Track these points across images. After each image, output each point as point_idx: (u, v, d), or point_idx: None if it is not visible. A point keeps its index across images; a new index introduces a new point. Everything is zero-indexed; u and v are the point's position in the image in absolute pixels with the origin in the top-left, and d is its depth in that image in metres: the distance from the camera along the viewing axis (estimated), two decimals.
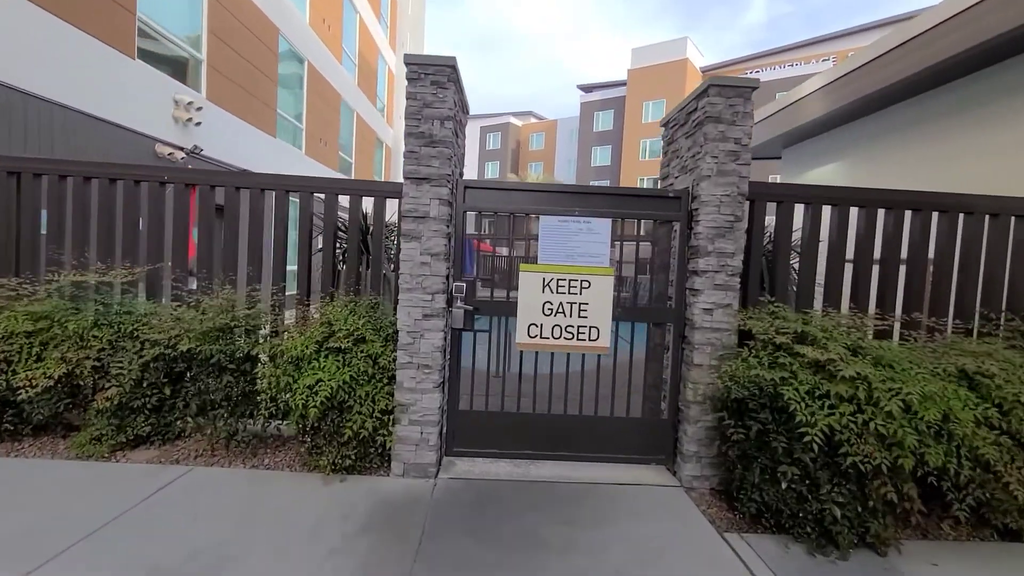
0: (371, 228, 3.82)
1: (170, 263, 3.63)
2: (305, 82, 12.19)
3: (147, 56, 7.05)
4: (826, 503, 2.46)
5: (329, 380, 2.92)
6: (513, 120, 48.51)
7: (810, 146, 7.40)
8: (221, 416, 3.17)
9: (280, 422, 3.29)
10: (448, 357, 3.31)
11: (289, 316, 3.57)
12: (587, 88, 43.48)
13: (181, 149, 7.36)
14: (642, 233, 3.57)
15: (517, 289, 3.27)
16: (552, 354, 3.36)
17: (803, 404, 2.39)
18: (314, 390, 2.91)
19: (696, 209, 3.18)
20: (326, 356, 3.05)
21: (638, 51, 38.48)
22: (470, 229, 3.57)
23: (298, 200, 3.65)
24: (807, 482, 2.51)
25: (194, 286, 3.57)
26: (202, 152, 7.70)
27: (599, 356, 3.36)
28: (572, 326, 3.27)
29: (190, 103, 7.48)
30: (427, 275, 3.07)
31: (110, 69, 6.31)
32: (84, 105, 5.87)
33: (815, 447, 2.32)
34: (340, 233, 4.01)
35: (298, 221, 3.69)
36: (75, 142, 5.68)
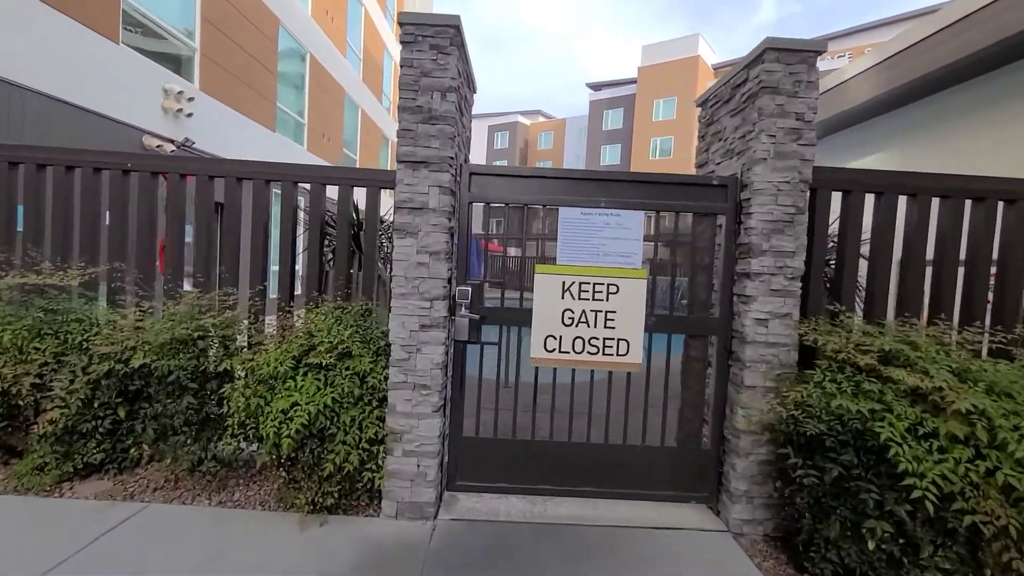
0: (364, 223, 3.33)
1: (134, 262, 3.17)
2: (307, 75, 11.76)
3: (134, 42, 6.62)
4: (928, 569, 1.93)
5: (307, 404, 2.44)
6: (521, 119, 47.96)
7: (842, 138, 6.80)
8: (182, 443, 2.69)
9: (254, 447, 2.81)
10: (450, 375, 2.80)
11: (271, 323, 3.09)
12: (596, 86, 42.82)
13: (171, 141, 6.93)
14: (676, 228, 3.04)
15: (532, 294, 2.76)
16: (573, 371, 2.84)
17: (905, 446, 1.86)
18: (289, 416, 2.42)
19: (747, 199, 2.65)
20: (304, 374, 2.56)
21: (648, 48, 37.77)
22: (476, 227, 3.08)
23: (284, 192, 3.18)
24: (902, 542, 1.98)
25: (173, 287, 3.10)
26: (194, 145, 7.27)
27: (628, 374, 2.84)
28: (597, 338, 2.76)
29: (180, 92, 7.05)
30: (425, 278, 2.57)
31: (91, 54, 5.88)
32: (60, 91, 5.44)
33: (927, 504, 1.78)
34: (328, 229, 3.53)
35: (280, 215, 3.21)
36: (51, 131, 5.25)
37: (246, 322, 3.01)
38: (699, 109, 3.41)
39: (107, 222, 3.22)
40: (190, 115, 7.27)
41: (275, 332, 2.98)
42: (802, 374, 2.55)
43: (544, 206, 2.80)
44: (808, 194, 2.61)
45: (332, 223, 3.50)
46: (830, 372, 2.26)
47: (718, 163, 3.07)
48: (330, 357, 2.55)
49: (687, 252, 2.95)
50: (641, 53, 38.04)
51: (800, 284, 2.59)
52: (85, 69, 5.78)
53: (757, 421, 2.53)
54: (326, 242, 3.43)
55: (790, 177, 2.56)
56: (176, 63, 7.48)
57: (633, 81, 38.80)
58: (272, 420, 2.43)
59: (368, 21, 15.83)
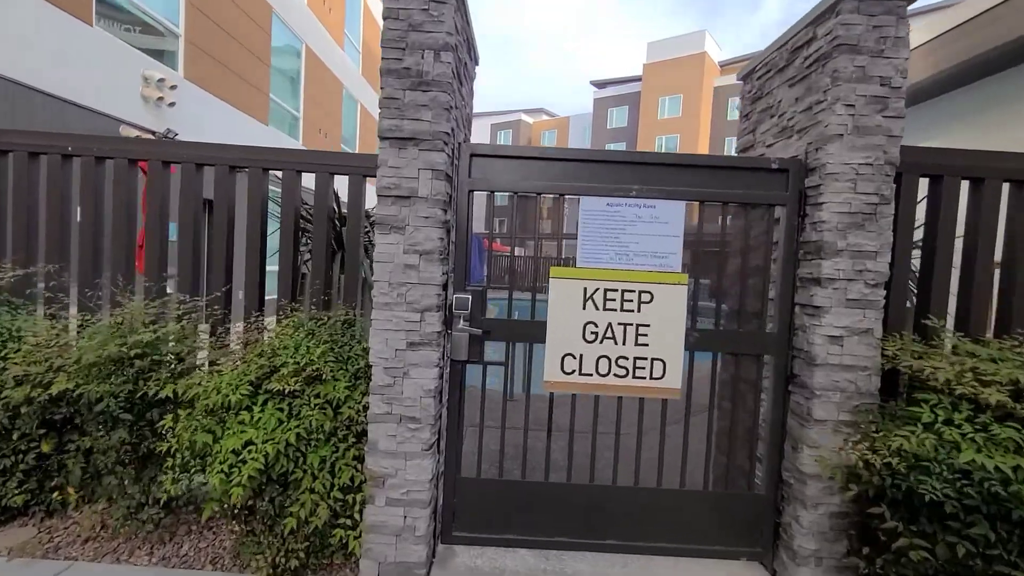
0: (346, 217, 2.82)
1: (77, 262, 2.69)
2: (303, 67, 11.27)
3: (109, 23, 6.14)
4: None
5: (265, 442, 1.93)
6: (524, 117, 47.39)
7: None
8: (116, 486, 2.19)
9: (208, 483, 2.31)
10: (445, 402, 2.29)
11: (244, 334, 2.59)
12: (600, 84, 42.22)
13: (152, 133, 6.44)
14: (724, 223, 2.51)
15: (547, 304, 2.25)
16: (596, 398, 2.32)
17: None
18: (241, 458, 1.92)
19: (815, 187, 2.13)
20: (264, 404, 2.06)
21: (654, 45, 37.20)
22: (479, 223, 2.57)
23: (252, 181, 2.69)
24: None
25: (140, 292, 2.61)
26: (177, 136, 6.78)
27: (664, 401, 2.32)
28: (626, 358, 2.24)
29: (162, 80, 6.57)
30: (414, 283, 2.06)
31: (60, 36, 5.40)
32: (23, 76, 4.96)
33: None
34: (305, 224, 3.03)
35: (248, 208, 2.72)
36: (13, 120, 4.76)
37: (204, 335, 2.52)
38: (740, 83, 2.89)
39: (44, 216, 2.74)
40: (172, 104, 6.79)
41: (238, 347, 2.49)
42: (886, 406, 2.03)
43: (561, 195, 2.28)
44: (893, 180, 2.08)
45: (308, 216, 3.00)
46: (942, 410, 1.73)
47: (769, 145, 2.55)
48: (296, 382, 2.04)
49: (734, 252, 2.43)
50: (646, 50, 37.49)
51: (884, 292, 2.07)
52: (53, 52, 5.29)
53: (831, 464, 2.00)
54: (302, 239, 2.93)
55: (873, 157, 2.04)
56: (158, 49, 6.99)
57: (638, 79, 38.21)
58: (220, 463, 1.93)
59: (368, 13, 15.33)
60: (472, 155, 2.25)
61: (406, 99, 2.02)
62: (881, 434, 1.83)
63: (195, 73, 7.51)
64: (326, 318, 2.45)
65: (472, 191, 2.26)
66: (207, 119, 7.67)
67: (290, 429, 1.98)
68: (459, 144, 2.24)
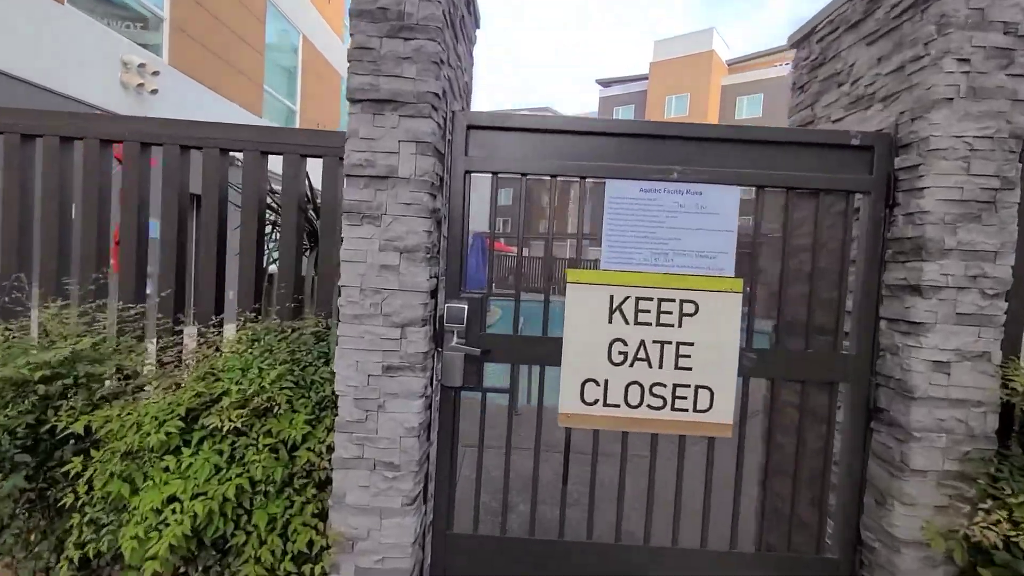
0: (320, 207, 2.37)
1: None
2: (299, 58, 10.83)
3: (84, 3, 5.71)
4: None
5: (194, 498, 1.48)
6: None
7: None
8: (13, 544, 1.73)
9: None
10: (435, 438, 1.82)
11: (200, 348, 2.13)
12: (606, 83, 41.67)
13: None
14: (787, 214, 2.02)
15: (564, 316, 1.77)
16: (624, 435, 1.85)
17: None
18: (163, 518, 1.46)
19: (912, 167, 1.65)
20: (198, 444, 1.60)
21: (661, 43, 36.72)
22: (478, 224, 2.12)
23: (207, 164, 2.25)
24: None
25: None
26: None
27: (710, 439, 1.84)
28: (663, 385, 1.77)
29: (142, 65, 6.14)
30: (393, 290, 1.60)
31: (27, 13, 4.97)
32: None
33: None
34: (272, 215, 2.58)
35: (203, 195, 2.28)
36: None
37: (150, 349, 2.07)
38: (793, 52, 2.42)
39: None
40: (155, 91, 6.35)
41: (179, 366, 2.04)
42: (1008, 455, 1.55)
43: (582, 177, 1.80)
44: (1019, 158, 1.60)
45: (276, 206, 2.54)
46: None
47: (836, 120, 2.07)
48: (241, 416, 1.58)
49: (797, 252, 1.94)
50: (653, 48, 37.02)
51: (1005, 305, 1.59)
52: (18, 31, 4.86)
53: (939, 532, 1.52)
54: (268, 233, 2.47)
55: (992, 129, 1.56)
56: (139, 32, 6.56)
57: (644, 77, 37.70)
58: (137, 524, 1.47)
59: None
60: (470, 127, 1.78)
61: (383, 49, 1.55)
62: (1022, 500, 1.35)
63: (180, 59, 7.07)
64: (290, 330, 1.99)
65: (470, 172, 1.79)
66: (193, 108, 7.22)
67: (229, 479, 1.52)
68: (453, 113, 1.77)
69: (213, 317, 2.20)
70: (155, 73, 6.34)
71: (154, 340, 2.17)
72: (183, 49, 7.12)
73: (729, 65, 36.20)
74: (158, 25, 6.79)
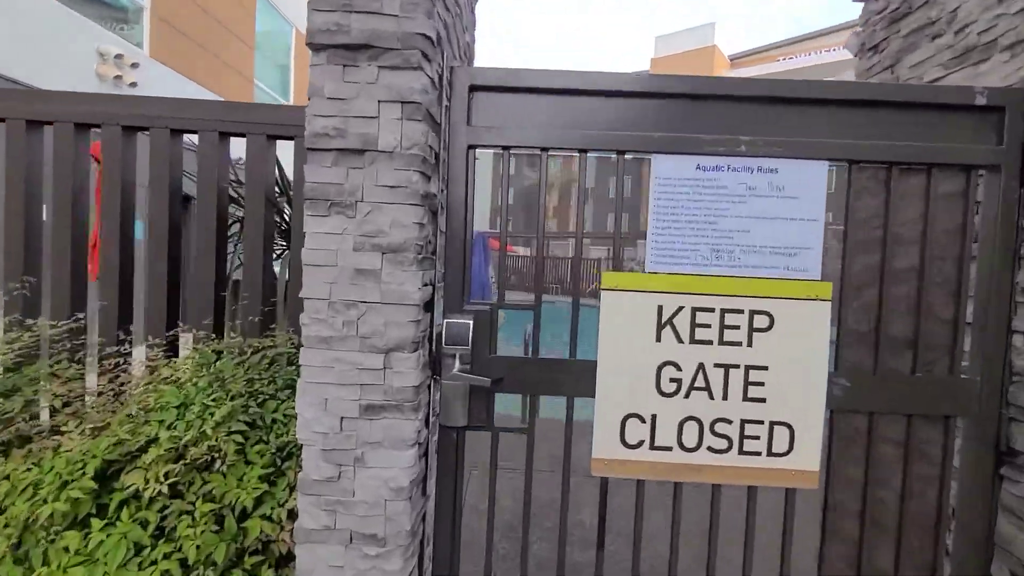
0: (293, 197, 1.96)
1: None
2: (292, 52, 10.43)
3: None
4: None
5: None
6: None
7: None
8: None
9: None
10: (432, 492, 1.41)
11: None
12: None
13: None
14: (889, 195, 1.59)
15: (598, 335, 1.36)
16: (677, 486, 1.44)
17: None
18: None
19: None
20: (117, 510, 1.19)
21: (662, 39, 36.41)
22: (482, 223, 1.69)
23: (154, 148, 1.85)
24: None
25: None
26: None
27: (788, 490, 1.43)
28: (728, 421, 1.35)
29: (119, 56, 5.74)
30: (373, 303, 1.19)
31: None
32: None
33: None
34: (235, 207, 2.18)
35: (150, 184, 1.89)
36: None
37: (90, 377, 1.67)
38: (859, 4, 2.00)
39: None
40: (133, 84, 5.95)
41: (118, 396, 1.63)
42: None
43: (620, 152, 1.39)
44: None
45: (239, 197, 2.14)
46: None
47: (931, 81, 1.66)
48: (171, 475, 1.18)
49: (898, 244, 1.52)
50: (655, 44, 36.68)
51: None
52: None
53: None
54: (230, 230, 2.07)
55: None
56: (117, 21, 6.17)
57: None
58: None
59: None
60: (473, 87, 1.36)
61: None
62: None
63: (162, 51, 6.68)
64: (251, 351, 1.59)
65: (473, 147, 1.37)
66: None
67: (154, 563, 1.11)
68: (451, 68, 1.36)
69: (165, 333, 1.81)
70: (134, 65, 5.94)
71: (90, 362, 1.78)
72: (165, 39, 6.72)
73: (731, 60, 35.79)
74: (138, 13, 6.39)
